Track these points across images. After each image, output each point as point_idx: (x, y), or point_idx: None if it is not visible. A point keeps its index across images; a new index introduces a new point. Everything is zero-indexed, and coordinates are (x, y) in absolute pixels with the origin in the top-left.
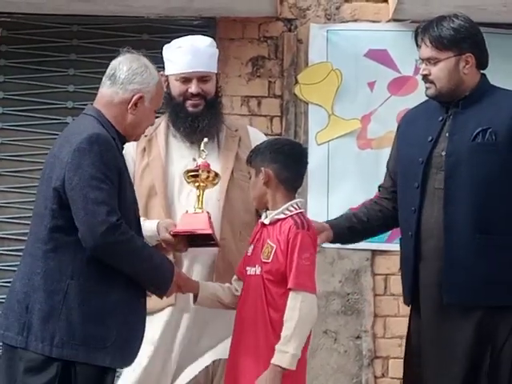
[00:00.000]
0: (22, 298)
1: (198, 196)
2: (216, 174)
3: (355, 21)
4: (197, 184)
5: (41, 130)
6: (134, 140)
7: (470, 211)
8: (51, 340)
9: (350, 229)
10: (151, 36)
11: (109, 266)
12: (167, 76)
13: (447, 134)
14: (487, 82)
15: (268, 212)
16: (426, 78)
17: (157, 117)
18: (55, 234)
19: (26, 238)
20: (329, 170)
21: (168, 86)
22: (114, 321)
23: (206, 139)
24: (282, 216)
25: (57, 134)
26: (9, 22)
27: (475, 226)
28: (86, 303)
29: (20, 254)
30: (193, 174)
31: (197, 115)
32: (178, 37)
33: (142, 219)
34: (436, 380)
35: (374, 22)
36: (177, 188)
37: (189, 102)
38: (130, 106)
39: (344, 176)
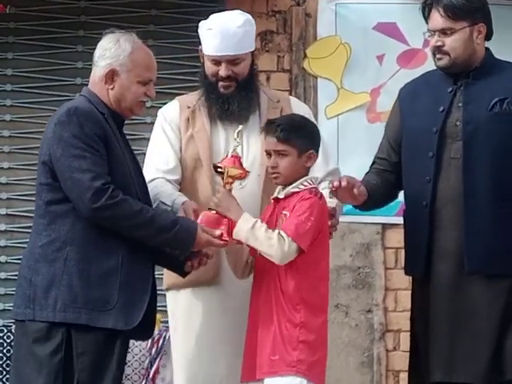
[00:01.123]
0: (26, 272)
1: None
2: (242, 171)
3: None
4: (225, 181)
5: (50, 106)
6: (133, 114)
7: (490, 180)
8: (54, 306)
9: (372, 198)
10: (159, 11)
11: (108, 230)
12: (203, 53)
13: (460, 104)
14: (492, 54)
15: (281, 186)
16: (439, 49)
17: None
18: (51, 206)
19: None
20: (338, 144)
21: (203, 64)
22: (115, 284)
23: (240, 126)
24: (297, 190)
25: None
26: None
27: (495, 195)
28: (86, 268)
29: (30, 230)
30: (220, 170)
31: (227, 97)
32: (186, 12)
33: (177, 194)
34: (453, 352)
35: None
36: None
37: (220, 84)
38: (104, 81)
39: (354, 150)
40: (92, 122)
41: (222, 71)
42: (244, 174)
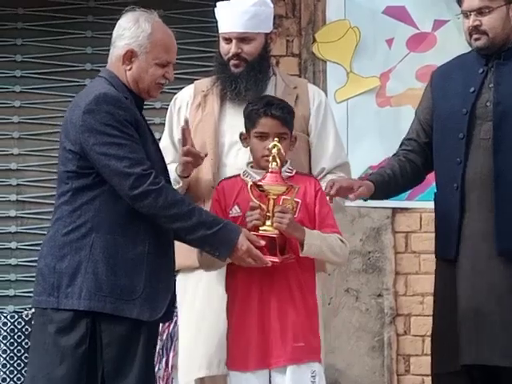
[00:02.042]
0: (49, 260)
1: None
2: (287, 187)
3: None
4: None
5: (59, 92)
6: (150, 97)
7: None
8: (79, 294)
9: (388, 183)
10: None
11: (135, 217)
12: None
13: (491, 85)
14: None
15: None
16: (476, 29)
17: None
18: (77, 193)
19: (45, 201)
20: (348, 128)
21: (219, 44)
22: (141, 273)
23: (276, 139)
24: (290, 174)
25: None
26: None
27: None
28: (112, 256)
29: (40, 216)
30: (262, 189)
31: (236, 76)
32: None
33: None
34: (482, 334)
35: None
36: (227, 146)
37: (231, 62)
38: (121, 62)
39: (363, 134)
40: (122, 108)
41: (232, 48)
42: (290, 191)
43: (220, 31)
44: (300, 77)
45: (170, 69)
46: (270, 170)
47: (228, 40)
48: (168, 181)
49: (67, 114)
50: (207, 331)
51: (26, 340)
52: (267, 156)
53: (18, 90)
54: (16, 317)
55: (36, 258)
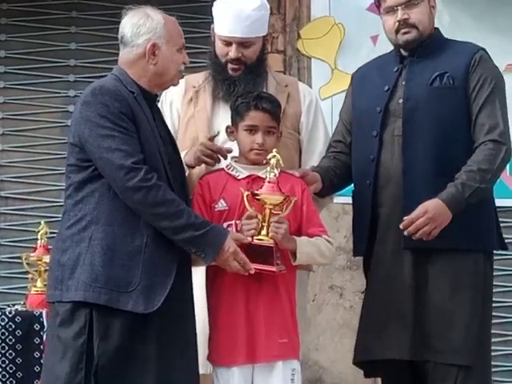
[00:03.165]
0: (55, 254)
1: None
2: (284, 198)
3: None
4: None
5: (43, 88)
6: (172, 85)
7: (429, 155)
8: (76, 285)
9: (330, 181)
10: None
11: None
12: (215, 32)
13: (403, 82)
14: (441, 33)
15: (251, 167)
16: (405, 22)
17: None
18: (79, 186)
19: (29, 198)
20: (332, 125)
21: (215, 42)
22: (138, 265)
23: (274, 150)
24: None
25: (59, 93)
26: None
27: (434, 170)
28: (109, 247)
29: (23, 213)
30: (258, 198)
31: (234, 79)
32: None
33: None
34: (385, 330)
35: None
36: (220, 142)
37: (229, 66)
38: (147, 57)
39: None
40: (117, 100)
41: (232, 53)
42: (286, 203)
43: (219, 33)
44: (285, 73)
45: (185, 52)
46: (267, 179)
47: (227, 43)
48: (177, 173)
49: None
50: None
51: (10, 337)
52: (256, 150)
53: (1, 86)
54: None
55: (19, 255)
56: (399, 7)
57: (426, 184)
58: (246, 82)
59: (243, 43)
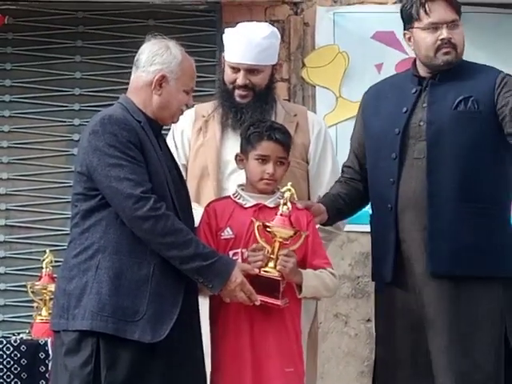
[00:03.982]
0: (61, 282)
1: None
2: (294, 232)
3: (361, 3)
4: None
5: (48, 117)
6: (172, 122)
7: (455, 180)
8: (83, 314)
9: (338, 210)
10: (157, 21)
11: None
12: (224, 60)
13: (424, 105)
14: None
15: (258, 195)
16: (449, 42)
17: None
18: (85, 215)
19: (34, 226)
20: (337, 153)
21: (224, 70)
22: (145, 294)
23: (289, 184)
24: (280, 201)
25: (64, 121)
26: (15, 10)
27: (460, 195)
28: (116, 276)
29: (29, 241)
30: (269, 230)
31: (242, 107)
32: (183, 22)
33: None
34: (416, 367)
35: (380, 3)
36: (229, 171)
37: (237, 92)
38: (153, 86)
39: None
40: (126, 129)
41: (240, 79)
42: (296, 237)
43: (228, 59)
44: (289, 101)
45: (191, 96)
46: (280, 212)
47: (236, 69)
48: (183, 202)
49: (80, 137)
50: None
51: (15, 365)
52: (266, 180)
53: (7, 115)
54: (4, 342)
55: (24, 283)
56: (444, 25)
57: (451, 209)
58: (253, 110)
59: (251, 70)
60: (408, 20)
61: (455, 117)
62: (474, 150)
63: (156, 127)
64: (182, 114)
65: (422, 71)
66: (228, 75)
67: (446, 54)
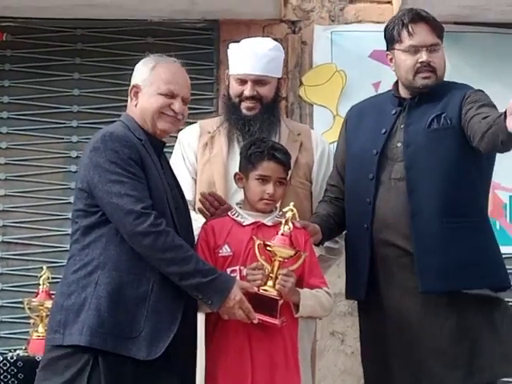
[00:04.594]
0: (58, 298)
1: (270, 274)
2: (294, 252)
3: (359, 22)
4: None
5: (46, 134)
6: (162, 130)
7: (435, 197)
8: (81, 330)
9: (329, 230)
10: (155, 39)
11: (141, 256)
12: (229, 75)
13: (402, 126)
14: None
15: (256, 214)
16: (429, 65)
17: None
18: (86, 231)
19: (31, 243)
20: None
21: (228, 85)
22: (142, 311)
23: (291, 204)
24: (280, 219)
25: (62, 138)
26: (13, 27)
27: (441, 212)
28: (115, 292)
29: (26, 258)
30: (270, 249)
31: (249, 118)
32: (181, 40)
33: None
34: (407, 372)
35: (377, 22)
36: (235, 187)
37: (243, 104)
38: (130, 98)
39: None
40: (127, 146)
41: (248, 91)
42: (296, 257)
43: (235, 72)
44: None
45: (177, 101)
46: (281, 232)
47: (243, 82)
48: (183, 219)
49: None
50: None
51: (13, 379)
52: (266, 200)
53: (4, 132)
54: (1, 358)
55: (21, 299)
56: (424, 49)
57: (435, 227)
58: (261, 121)
59: (259, 81)
60: (390, 41)
61: (429, 135)
62: (451, 166)
63: (158, 145)
64: (170, 120)
65: (403, 92)
66: (234, 88)
67: (426, 78)
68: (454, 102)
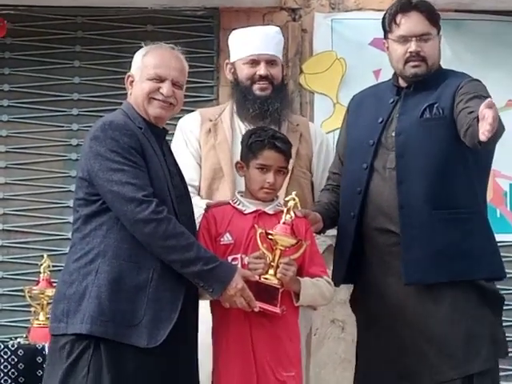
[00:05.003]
0: (61, 286)
1: (272, 263)
2: (296, 241)
3: (359, 10)
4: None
5: (47, 122)
6: (155, 116)
7: (424, 188)
8: (82, 318)
9: (330, 219)
10: (155, 27)
11: (142, 244)
12: (233, 63)
13: (397, 115)
14: (440, 67)
15: (257, 202)
16: (418, 54)
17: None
18: (86, 220)
19: (32, 231)
20: None
21: (235, 72)
22: (142, 299)
23: (294, 193)
24: (281, 208)
25: (62, 126)
26: (13, 15)
27: (431, 203)
28: (116, 281)
29: (26, 246)
30: (271, 238)
31: (266, 98)
32: (181, 28)
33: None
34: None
35: (378, 10)
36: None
37: (256, 86)
38: (128, 89)
39: None
40: (126, 135)
41: (262, 70)
42: (297, 246)
43: (245, 55)
44: None
45: (166, 84)
46: (283, 221)
47: (254, 62)
48: (184, 207)
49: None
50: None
51: (13, 370)
52: (266, 189)
53: (5, 120)
54: (2, 346)
55: (22, 288)
56: (413, 38)
57: (423, 218)
58: (278, 101)
59: (271, 61)
60: (384, 30)
61: (421, 125)
62: (442, 157)
63: (158, 133)
64: (161, 106)
65: (401, 81)
66: (245, 71)
67: (415, 67)
68: (448, 92)
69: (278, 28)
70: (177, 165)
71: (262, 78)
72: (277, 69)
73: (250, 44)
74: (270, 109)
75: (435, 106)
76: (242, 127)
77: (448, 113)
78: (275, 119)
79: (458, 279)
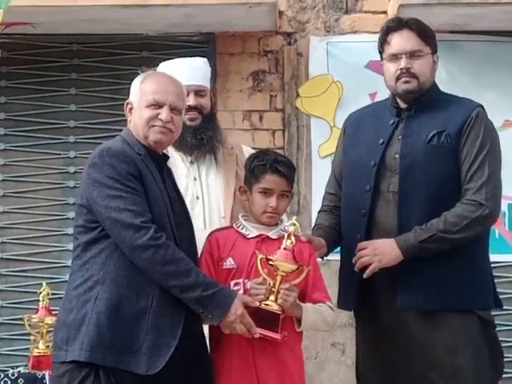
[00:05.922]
0: (61, 314)
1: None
2: (297, 267)
3: (354, 32)
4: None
5: (43, 150)
6: (156, 144)
7: (425, 213)
8: (81, 345)
9: (334, 242)
10: (151, 53)
11: (140, 270)
12: None
13: (400, 137)
14: (438, 87)
15: (261, 226)
16: (408, 71)
17: None
18: (87, 247)
19: (29, 259)
20: None
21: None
22: (142, 326)
23: (294, 218)
24: (284, 232)
25: (59, 154)
26: (9, 43)
27: None
28: (114, 308)
29: (24, 274)
30: (272, 263)
31: (196, 128)
32: (177, 53)
33: None
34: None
35: (373, 33)
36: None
37: (185, 117)
38: (127, 116)
39: None
40: (124, 161)
41: (191, 101)
42: (299, 271)
43: None
44: (284, 132)
45: (164, 110)
46: (283, 246)
47: None
48: (185, 234)
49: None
50: None
51: None
52: (269, 213)
53: (1, 148)
54: (2, 376)
55: (20, 316)
56: (403, 55)
57: None
58: (208, 129)
59: (199, 91)
60: (379, 51)
61: (428, 151)
62: (443, 184)
63: (158, 159)
64: (161, 132)
65: (400, 102)
66: None
67: (406, 82)
68: (457, 121)
69: (205, 59)
70: (178, 191)
71: (191, 108)
72: (205, 98)
73: (177, 76)
74: (204, 137)
75: (444, 133)
76: (175, 156)
77: (455, 143)
78: (212, 147)
79: (455, 309)
